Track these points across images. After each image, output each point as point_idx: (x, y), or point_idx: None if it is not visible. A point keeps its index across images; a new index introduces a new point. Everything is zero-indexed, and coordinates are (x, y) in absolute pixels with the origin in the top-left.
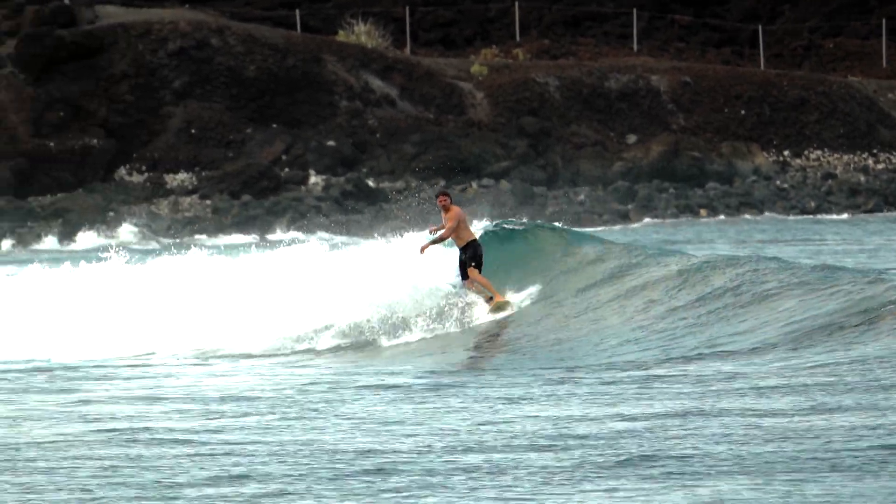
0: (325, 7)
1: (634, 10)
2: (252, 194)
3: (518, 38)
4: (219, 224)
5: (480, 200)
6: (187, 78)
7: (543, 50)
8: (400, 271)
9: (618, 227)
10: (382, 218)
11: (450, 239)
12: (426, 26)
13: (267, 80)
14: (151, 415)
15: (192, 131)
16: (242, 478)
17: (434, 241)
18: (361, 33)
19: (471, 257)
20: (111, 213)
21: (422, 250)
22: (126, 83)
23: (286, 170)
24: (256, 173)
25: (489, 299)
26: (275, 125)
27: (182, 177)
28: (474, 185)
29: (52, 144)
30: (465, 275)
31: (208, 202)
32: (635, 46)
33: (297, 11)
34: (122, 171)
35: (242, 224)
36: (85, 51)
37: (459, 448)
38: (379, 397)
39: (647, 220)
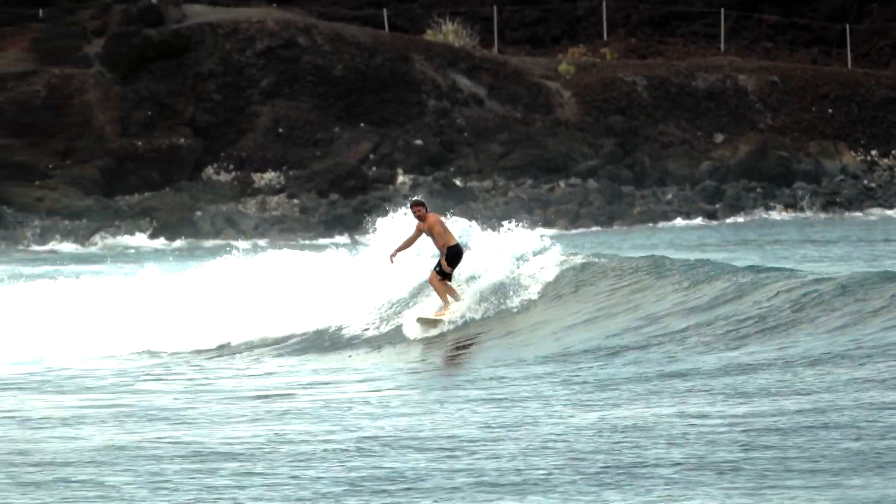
0: (412, 6)
1: (722, 10)
2: (340, 193)
3: (605, 37)
4: (306, 223)
5: (568, 200)
6: (275, 77)
7: (631, 49)
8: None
9: (696, 222)
10: (469, 217)
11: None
12: (514, 25)
13: (354, 79)
14: None
15: (280, 130)
16: None
17: (399, 249)
18: (449, 32)
19: (438, 262)
20: (198, 213)
21: (391, 258)
22: (213, 82)
23: (374, 169)
24: (344, 172)
25: (458, 300)
26: (362, 124)
27: (269, 176)
28: (562, 184)
29: (139, 143)
30: (446, 276)
31: (296, 201)
32: (722, 46)
33: (385, 11)
34: (210, 170)
35: (330, 223)
36: (172, 50)
37: None
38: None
39: (734, 218)
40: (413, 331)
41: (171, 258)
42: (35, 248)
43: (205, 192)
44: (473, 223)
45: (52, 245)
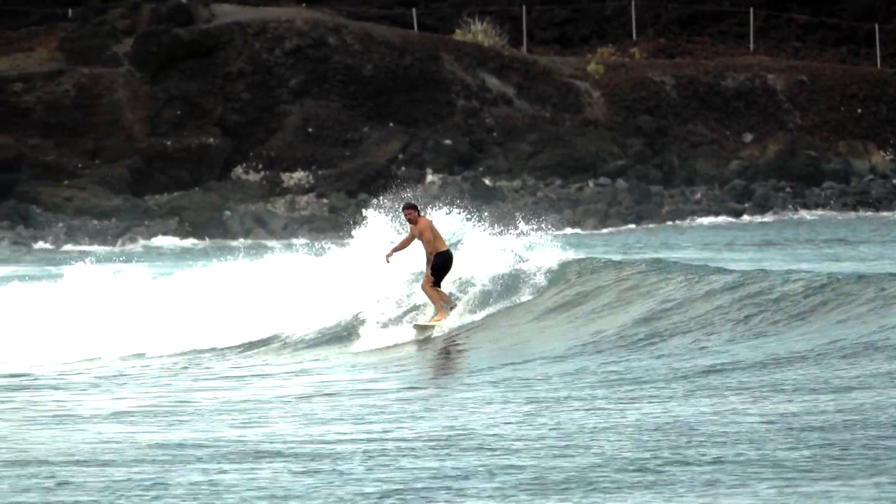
0: (441, 6)
1: (751, 9)
2: (369, 193)
3: (634, 36)
4: (335, 223)
5: (597, 199)
6: (304, 76)
7: (660, 49)
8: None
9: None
10: (499, 217)
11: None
12: (543, 25)
13: (384, 78)
14: None
15: (309, 130)
16: None
17: (395, 250)
18: (478, 32)
19: (432, 267)
20: (227, 212)
21: (386, 258)
22: (242, 81)
23: (403, 168)
24: (373, 172)
25: (452, 308)
26: (392, 124)
27: (299, 175)
28: (591, 183)
29: (168, 143)
30: (437, 282)
31: (325, 201)
32: (751, 45)
33: (414, 10)
34: (239, 169)
35: (360, 223)
36: (201, 49)
37: None
38: None
39: (762, 218)
40: (411, 335)
41: (197, 258)
42: (63, 247)
43: (234, 192)
44: (465, 220)
45: (81, 245)
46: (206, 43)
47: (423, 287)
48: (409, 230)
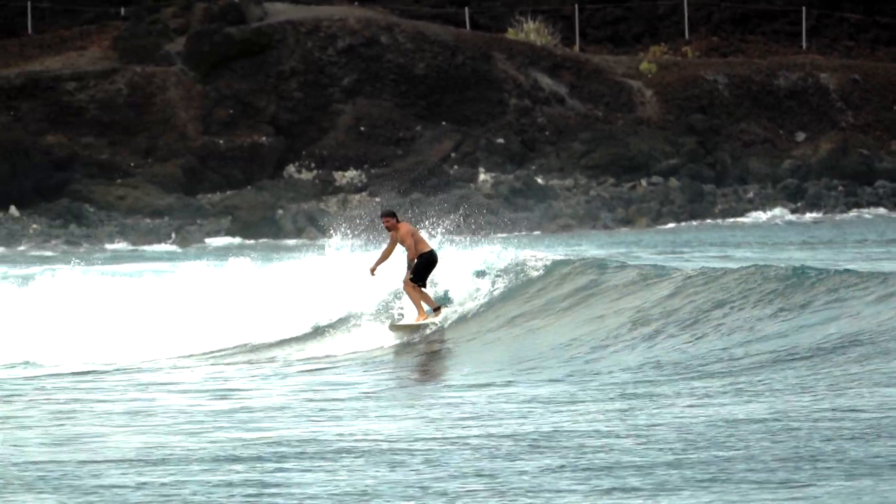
0: (494, 4)
1: (804, 8)
2: (421, 192)
3: (687, 35)
4: None
5: (649, 198)
6: (356, 75)
7: (712, 48)
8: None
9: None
10: (551, 215)
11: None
12: (595, 24)
13: (436, 77)
14: None
15: (362, 129)
16: None
17: (380, 261)
18: (531, 31)
19: (412, 268)
20: (280, 211)
21: (371, 271)
22: (295, 80)
23: (455, 167)
24: (426, 171)
25: (436, 309)
26: (444, 123)
27: (351, 174)
28: (643, 182)
29: (221, 142)
30: (417, 280)
31: (377, 200)
32: (804, 44)
33: (467, 9)
34: (291, 168)
35: (412, 222)
36: (254, 48)
37: None
38: None
39: (815, 216)
40: (389, 338)
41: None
42: (116, 246)
43: (286, 191)
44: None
45: (134, 243)
46: (258, 42)
47: (404, 287)
48: (388, 239)
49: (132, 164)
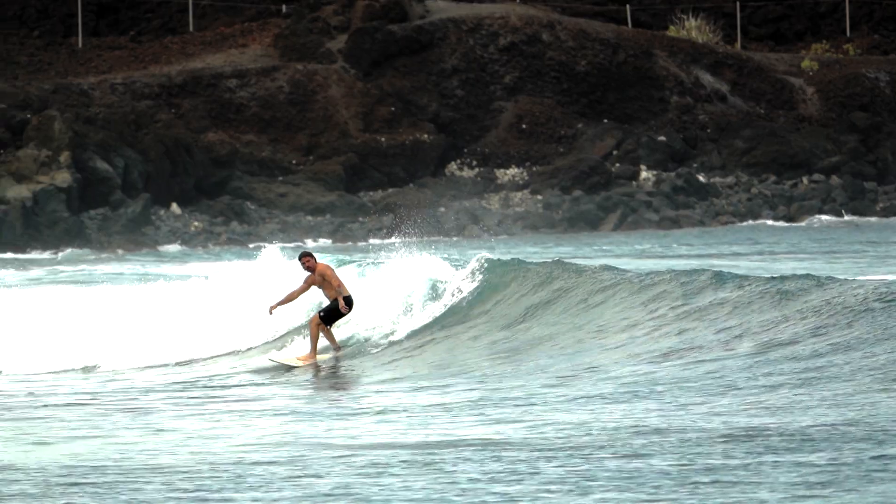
0: (655, 2)
1: None
2: (583, 189)
3: (848, 33)
4: (549, 220)
5: (811, 196)
6: (518, 73)
7: (874, 45)
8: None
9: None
10: (713, 213)
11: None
12: (757, 21)
13: (598, 74)
14: None
15: (523, 126)
16: None
17: (283, 301)
18: (692, 28)
19: (327, 308)
20: (441, 209)
21: (270, 309)
22: (457, 78)
23: (617, 165)
24: (587, 168)
25: (337, 348)
26: (606, 120)
27: (513, 172)
28: (805, 180)
29: (382, 139)
30: (327, 320)
31: (539, 197)
32: None
33: (628, 6)
34: (453, 165)
35: (573, 219)
36: (416, 46)
37: None
38: None
39: None
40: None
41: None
42: (276, 244)
43: (448, 188)
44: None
45: (295, 241)
46: (420, 39)
47: (310, 323)
48: (302, 280)
49: (293, 162)
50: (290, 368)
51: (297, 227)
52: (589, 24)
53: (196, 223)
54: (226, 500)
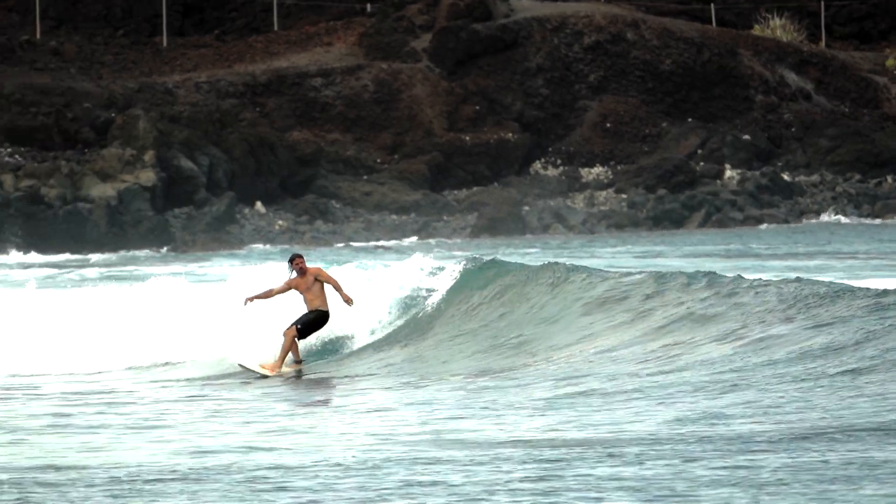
0: (739, 1)
1: None
2: (668, 188)
3: None
4: (634, 218)
5: None
6: (602, 72)
7: None
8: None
9: None
10: (797, 212)
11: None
12: (841, 20)
13: (682, 74)
14: None
15: (608, 125)
16: None
17: (261, 296)
18: (776, 27)
19: (304, 320)
20: (526, 208)
21: (246, 300)
22: (541, 77)
23: (701, 164)
24: (672, 167)
25: (298, 361)
26: (690, 119)
27: (597, 171)
28: (889, 178)
29: (467, 138)
30: (302, 333)
31: (623, 196)
32: None
33: (713, 5)
34: (538, 164)
35: (658, 218)
36: (500, 44)
37: None
38: None
39: None
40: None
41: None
42: (362, 243)
43: (532, 187)
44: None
45: (379, 240)
46: (504, 38)
47: (285, 332)
48: (284, 281)
49: (378, 161)
50: (262, 376)
51: (382, 225)
52: (673, 23)
53: (280, 222)
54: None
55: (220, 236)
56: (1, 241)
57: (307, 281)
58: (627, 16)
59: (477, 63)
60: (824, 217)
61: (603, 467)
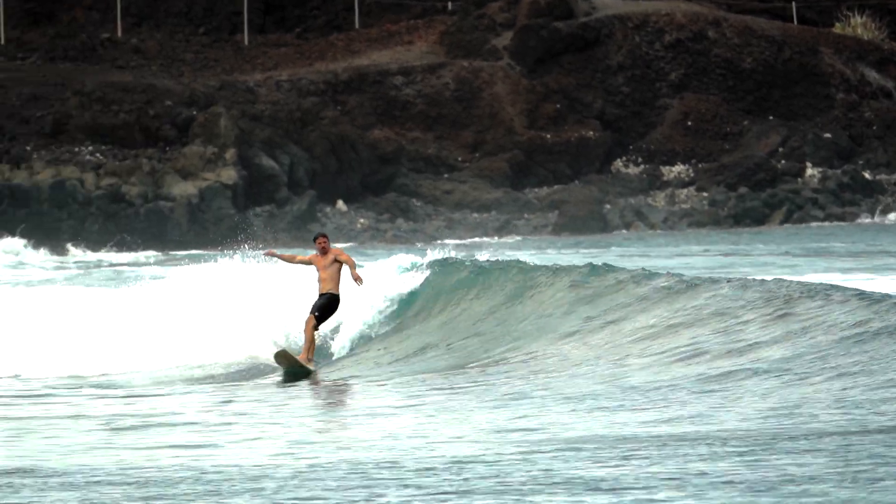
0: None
1: None
2: (749, 186)
3: None
4: (715, 216)
5: None
6: (683, 70)
7: None
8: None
9: None
10: (878, 210)
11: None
12: None
13: (763, 72)
14: None
15: (689, 123)
16: None
17: (280, 256)
18: (858, 25)
19: (319, 306)
20: (607, 206)
21: (269, 254)
22: (622, 75)
23: (782, 162)
24: (753, 165)
25: (309, 360)
26: (771, 117)
27: (678, 169)
28: None
29: (548, 136)
30: (319, 320)
31: (704, 194)
32: None
33: (794, 3)
34: (619, 162)
35: (739, 216)
36: (581, 43)
37: None
38: None
39: None
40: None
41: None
42: (445, 241)
43: (613, 185)
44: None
45: (461, 238)
46: (585, 36)
47: (306, 323)
48: (309, 255)
49: (459, 159)
50: (307, 372)
51: (463, 224)
52: (754, 21)
53: (362, 220)
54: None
55: (301, 235)
56: (80, 239)
57: (326, 260)
58: (708, 14)
59: (558, 61)
60: None
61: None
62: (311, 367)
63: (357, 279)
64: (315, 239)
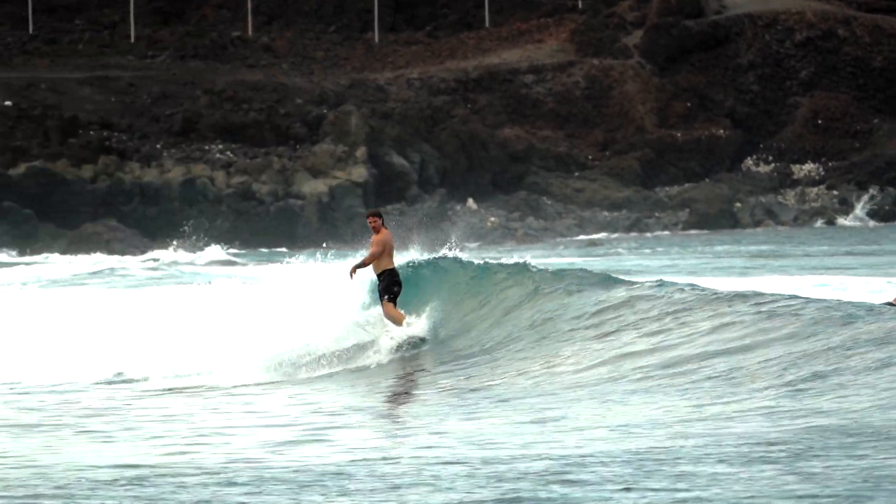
0: None
1: None
2: (879, 185)
3: None
4: (845, 215)
5: None
6: (813, 68)
7: None
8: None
9: None
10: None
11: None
12: None
13: (893, 70)
14: None
15: (819, 122)
16: None
17: (360, 266)
18: None
19: (383, 289)
20: (738, 204)
21: (350, 274)
22: (752, 73)
23: None
24: (884, 164)
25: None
26: None
27: (808, 167)
28: None
29: (678, 135)
30: (393, 300)
31: (835, 192)
32: None
33: None
34: (749, 161)
35: (870, 215)
36: (711, 41)
37: None
38: None
39: None
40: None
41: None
42: (577, 237)
43: (744, 184)
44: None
45: (590, 235)
46: (715, 35)
47: (386, 311)
48: (372, 243)
49: (590, 157)
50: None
51: (594, 222)
52: (885, 20)
53: (492, 219)
54: None
55: (431, 234)
56: (208, 237)
57: (380, 240)
58: (838, 12)
59: (688, 59)
60: None
61: None
62: (405, 323)
63: (352, 272)
64: (369, 216)
